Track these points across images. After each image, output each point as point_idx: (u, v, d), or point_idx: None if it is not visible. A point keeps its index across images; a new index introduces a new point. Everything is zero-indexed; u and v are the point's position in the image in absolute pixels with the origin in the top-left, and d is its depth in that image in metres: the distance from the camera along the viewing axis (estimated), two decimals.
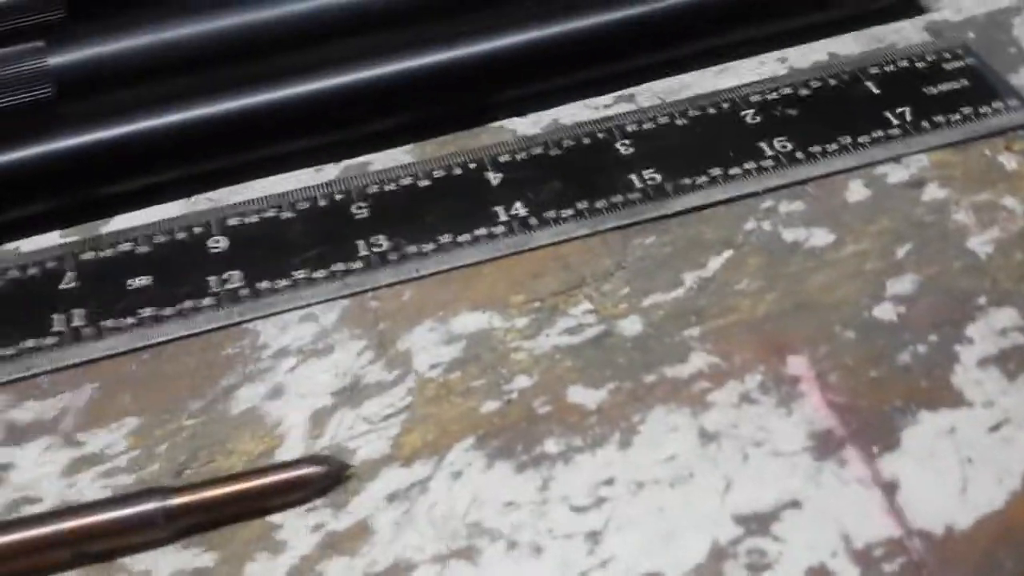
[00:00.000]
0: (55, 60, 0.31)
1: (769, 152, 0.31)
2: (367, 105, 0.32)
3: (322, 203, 0.31)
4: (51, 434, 0.26)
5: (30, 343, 0.27)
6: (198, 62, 0.32)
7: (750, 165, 0.31)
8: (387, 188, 0.31)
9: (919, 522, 0.24)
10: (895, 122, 0.32)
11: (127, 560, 0.23)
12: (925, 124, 0.32)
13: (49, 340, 0.27)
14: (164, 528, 0.24)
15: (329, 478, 0.24)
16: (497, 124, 0.33)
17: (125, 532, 0.23)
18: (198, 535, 0.24)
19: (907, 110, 0.33)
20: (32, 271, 0.29)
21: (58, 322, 0.28)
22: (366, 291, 0.29)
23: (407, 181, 0.31)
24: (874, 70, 0.34)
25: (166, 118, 0.31)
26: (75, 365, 0.27)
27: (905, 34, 0.36)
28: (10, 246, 0.30)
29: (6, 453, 0.26)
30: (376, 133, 0.33)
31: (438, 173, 0.31)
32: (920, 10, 0.36)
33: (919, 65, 0.34)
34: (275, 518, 0.24)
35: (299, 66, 0.32)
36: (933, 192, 0.31)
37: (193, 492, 0.24)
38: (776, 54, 0.35)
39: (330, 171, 0.32)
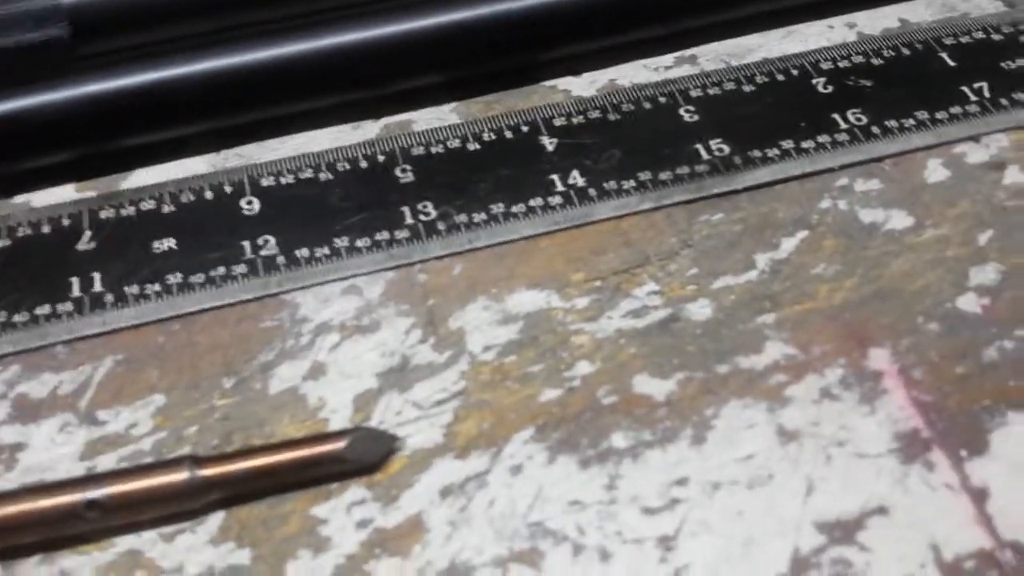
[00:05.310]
0: None
1: (843, 125, 0.29)
2: (409, 59, 0.30)
3: (363, 164, 0.28)
4: (68, 411, 0.24)
5: (45, 309, 0.25)
6: (226, 4, 0.30)
7: (824, 138, 0.29)
8: (433, 150, 0.29)
9: (1010, 533, 0.22)
10: (973, 98, 0.30)
11: (155, 555, 0.21)
12: (1004, 101, 0.30)
13: (66, 307, 0.25)
14: (195, 499, 0.22)
15: (378, 453, 0.22)
16: (549, 84, 0.31)
17: (152, 502, 0.21)
18: (233, 530, 0.22)
19: (984, 85, 0.30)
20: (45, 229, 0.27)
21: (76, 287, 0.25)
22: (413, 263, 0.26)
23: (455, 143, 0.29)
24: (949, 40, 0.32)
25: (192, 65, 0.28)
26: (96, 335, 0.25)
27: (977, 2, 0.33)
28: (20, 199, 0.28)
29: (18, 431, 0.23)
30: (418, 89, 0.30)
31: (488, 136, 0.29)
32: None
33: (995, 37, 0.32)
34: (318, 511, 0.22)
35: (336, 14, 0.30)
36: (1014, 175, 0.29)
37: (227, 462, 0.22)
38: (845, 18, 0.33)
39: (369, 129, 0.30)
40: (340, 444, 0.22)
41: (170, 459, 0.22)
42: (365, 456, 0.22)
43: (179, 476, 0.21)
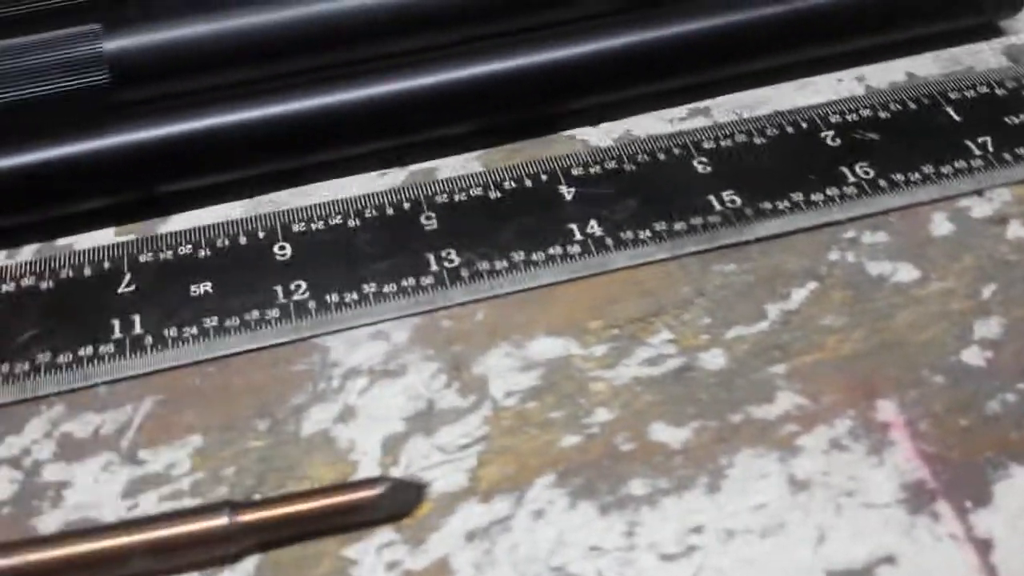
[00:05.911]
0: (111, 44, 0.30)
1: (851, 178, 0.30)
2: (435, 110, 0.31)
3: (389, 211, 0.29)
4: (111, 450, 0.25)
5: (88, 351, 0.26)
6: (262, 56, 0.31)
7: (832, 191, 0.30)
8: (457, 198, 0.30)
9: None
10: (977, 152, 0.31)
11: None
12: (1007, 156, 0.31)
13: (108, 348, 0.26)
14: (233, 544, 0.23)
15: (409, 503, 0.23)
16: (568, 133, 0.32)
17: (192, 547, 0.22)
18: (268, 569, 0.23)
19: (988, 140, 0.31)
20: (87, 271, 0.28)
21: (117, 329, 0.26)
22: (438, 309, 0.27)
23: (477, 191, 0.30)
24: (954, 95, 0.33)
25: (227, 115, 0.29)
26: (136, 376, 0.26)
27: (983, 57, 0.35)
28: (63, 242, 0.29)
29: (63, 470, 0.24)
30: (443, 138, 0.31)
31: (509, 184, 0.30)
32: (998, 32, 0.36)
33: (999, 92, 0.33)
34: (349, 552, 0.23)
35: (366, 67, 0.31)
36: (1016, 230, 0.30)
37: (264, 508, 0.23)
38: (853, 71, 0.34)
39: (395, 176, 0.31)
40: (374, 492, 0.23)
41: (209, 505, 0.23)
42: (397, 505, 0.23)
43: (218, 522, 0.22)
